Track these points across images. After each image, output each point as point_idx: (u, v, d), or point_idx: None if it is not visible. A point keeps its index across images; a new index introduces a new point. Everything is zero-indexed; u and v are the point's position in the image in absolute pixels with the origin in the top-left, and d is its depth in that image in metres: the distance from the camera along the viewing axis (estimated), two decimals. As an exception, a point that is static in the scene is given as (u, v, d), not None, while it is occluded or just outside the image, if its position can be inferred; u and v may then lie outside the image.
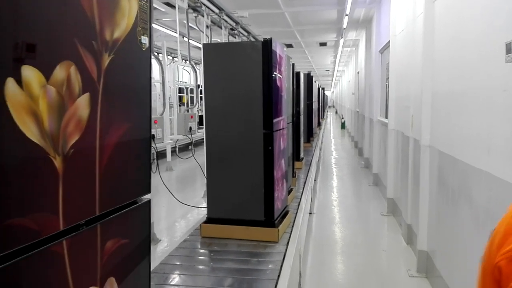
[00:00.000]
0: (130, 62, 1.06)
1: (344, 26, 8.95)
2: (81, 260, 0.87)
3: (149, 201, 1.13)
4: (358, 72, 12.70)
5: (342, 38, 10.87)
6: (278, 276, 2.64)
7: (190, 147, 11.57)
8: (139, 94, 1.11)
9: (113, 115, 0.98)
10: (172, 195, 4.20)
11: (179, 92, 12.50)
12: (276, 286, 2.50)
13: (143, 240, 1.12)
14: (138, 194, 1.09)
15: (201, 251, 3.12)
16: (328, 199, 7.08)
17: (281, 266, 2.78)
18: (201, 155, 6.30)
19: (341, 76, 27.21)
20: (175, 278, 2.62)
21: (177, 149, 10.02)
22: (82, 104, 0.86)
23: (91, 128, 0.89)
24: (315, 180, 7.66)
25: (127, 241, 1.04)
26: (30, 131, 0.73)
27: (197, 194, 7.06)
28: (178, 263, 2.83)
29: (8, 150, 0.69)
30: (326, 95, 36.91)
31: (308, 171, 6.20)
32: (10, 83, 0.68)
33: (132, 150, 1.08)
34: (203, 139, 7.71)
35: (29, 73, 0.72)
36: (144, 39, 1.13)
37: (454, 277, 3.05)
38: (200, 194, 6.96)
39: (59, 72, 0.79)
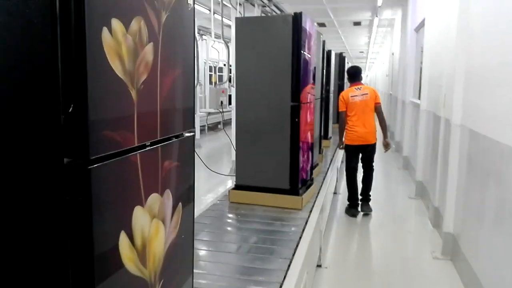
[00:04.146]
0: (180, 19, 1.35)
1: (379, 4, 8.97)
2: (148, 171, 1.18)
3: (193, 136, 1.45)
4: (392, 54, 12.63)
5: (376, 17, 10.85)
6: (300, 237, 2.93)
7: (219, 126, 11.94)
8: (187, 46, 1.42)
9: (168, 61, 1.28)
10: (205, 165, 4.54)
11: (209, 71, 12.80)
12: (297, 245, 2.80)
13: (189, 165, 1.45)
14: (185, 128, 1.41)
15: (229, 214, 3.45)
16: (355, 180, 7.26)
17: (303, 229, 3.07)
18: (229, 134, 6.62)
19: (375, 59, 26.80)
20: (205, 234, 2.96)
21: (206, 127, 10.36)
22: (149, 51, 1.16)
23: (154, 70, 1.19)
24: (342, 161, 7.87)
25: (178, 164, 1.35)
26: (117, 68, 1.02)
27: (223, 171, 7.40)
28: (207, 222, 3.17)
29: (103, 81, 0.99)
30: (360, 79, 36.13)
31: (336, 151, 6.42)
32: (105, 31, 0.98)
33: (181, 92, 1.39)
34: (230, 119, 8.02)
35: (116, 24, 1.02)
36: (190, 0, 1.42)
37: (479, 260, 3.14)
38: (226, 171, 7.30)
39: (134, 25, 1.09)
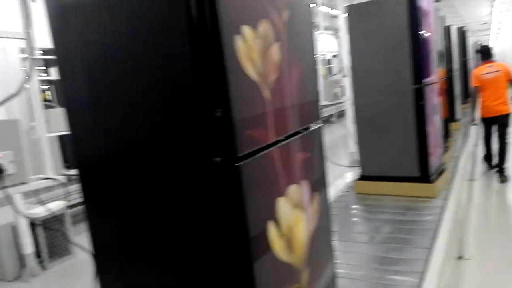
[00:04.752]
0: (299, 15, 1.39)
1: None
2: (286, 163, 1.24)
3: (321, 126, 1.48)
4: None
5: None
6: (438, 226, 2.73)
7: (332, 118, 11.78)
8: (307, 40, 1.45)
9: (293, 57, 1.32)
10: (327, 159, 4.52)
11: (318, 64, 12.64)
12: (435, 234, 2.62)
13: (320, 155, 1.49)
14: (313, 120, 1.45)
15: (356, 205, 3.39)
16: (492, 164, 6.53)
17: (440, 217, 2.86)
18: (344, 126, 6.50)
19: (501, 29, 23.61)
20: (334, 225, 2.94)
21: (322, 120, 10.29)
22: (275, 50, 1.22)
23: (282, 68, 1.25)
24: (476, 145, 7.12)
25: (311, 154, 1.39)
26: (251, 72, 1.10)
27: (341, 163, 7.22)
28: (335, 213, 3.15)
29: (241, 86, 1.07)
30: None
31: (466, 133, 5.85)
32: (238, 38, 1.06)
33: (307, 85, 1.42)
34: (343, 110, 7.85)
35: (246, 30, 1.09)
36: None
37: None
38: (344, 163, 7.13)
39: (261, 28, 1.16)
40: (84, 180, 1.30)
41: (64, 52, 1.23)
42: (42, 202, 3.51)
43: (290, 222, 1.26)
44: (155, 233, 1.19)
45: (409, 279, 2.10)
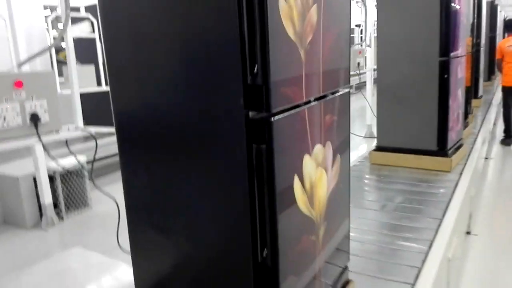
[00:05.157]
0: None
1: None
2: (313, 124, 1.32)
3: (349, 91, 1.53)
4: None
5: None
6: (450, 199, 2.81)
7: (352, 88, 11.67)
8: (343, 5, 1.48)
9: (329, 21, 1.36)
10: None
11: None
12: (447, 207, 2.70)
13: (346, 119, 1.57)
14: (342, 85, 1.50)
15: (371, 175, 3.47)
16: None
17: (453, 191, 2.94)
18: (361, 98, 6.50)
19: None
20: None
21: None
22: (313, 12, 1.26)
23: (317, 30, 1.29)
24: (494, 124, 7.08)
25: (337, 118, 1.46)
26: (290, 32, 1.15)
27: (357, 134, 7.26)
28: (350, 181, 3.25)
29: (280, 44, 1.12)
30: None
31: (487, 111, 5.83)
32: (281, -1, 1.11)
33: (339, 50, 1.47)
34: (363, 82, 7.79)
35: (288, -10, 1.14)
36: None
37: None
38: (360, 134, 7.17)
39: (301, -11, 1.20)
40: (121, 134, 1.37)
41: (107, 10, 1.29)
42: (68, 153, 3.64)
43: (313, 178, 1.35)
44: (189, 186, 1.27)
45: (418, 246, 2.20)
